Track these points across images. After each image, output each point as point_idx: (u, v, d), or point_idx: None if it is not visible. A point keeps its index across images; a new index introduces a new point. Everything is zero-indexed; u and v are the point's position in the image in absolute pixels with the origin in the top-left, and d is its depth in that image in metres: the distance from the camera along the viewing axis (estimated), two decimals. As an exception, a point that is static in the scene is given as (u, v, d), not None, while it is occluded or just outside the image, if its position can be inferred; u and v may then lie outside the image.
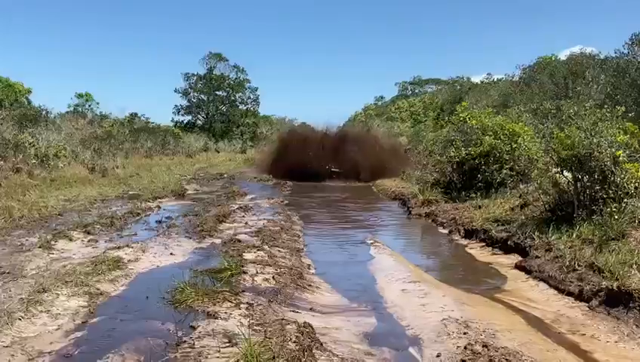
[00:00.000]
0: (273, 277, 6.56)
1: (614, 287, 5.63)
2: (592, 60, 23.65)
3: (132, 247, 7.80)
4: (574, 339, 4.93)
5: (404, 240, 11.10)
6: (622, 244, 6.79)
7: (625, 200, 7.73)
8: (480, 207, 11.56)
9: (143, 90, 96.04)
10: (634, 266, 5.93)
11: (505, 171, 12.52)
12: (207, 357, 4.00)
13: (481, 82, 38.78)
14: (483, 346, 4.35)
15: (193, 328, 4.64)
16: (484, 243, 9.48)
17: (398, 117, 45.44)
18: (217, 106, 50.81)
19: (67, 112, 36.26)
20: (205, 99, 50.64)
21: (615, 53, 21.09)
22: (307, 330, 4.54)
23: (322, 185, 20.36)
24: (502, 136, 12.97)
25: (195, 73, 50.76)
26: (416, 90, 61.89)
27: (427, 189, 14.58)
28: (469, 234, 10.13)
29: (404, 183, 18.47)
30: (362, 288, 6.81)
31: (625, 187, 7.83)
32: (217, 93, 50.95)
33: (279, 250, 8.38)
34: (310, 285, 6.70)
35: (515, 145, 12.77)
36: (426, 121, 34.78)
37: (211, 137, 45.18)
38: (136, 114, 40.59)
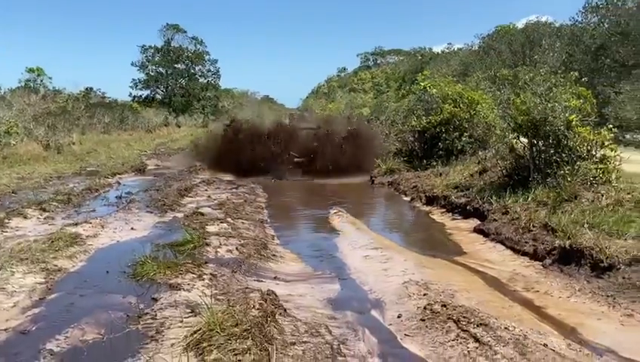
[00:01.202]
0: (237, 248, 6.54)
1: (567, 246, 5.87)
2: (548, 28, 24.11)
3: (91, 223, 7.60)
4: (529, 296, 5.13)
5: (367, 208, 11.22)
6: (574, 205, 7.07)
7: (577, 163, 8.00)
8: (441, 175, 11.79)
9: (97, 63, 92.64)
10: (585, 225, 6.18)
11: (464, 138, 12.75)
12: (169, 328, 3.97)
13: (442, 52, 39.06)
14: (442, 306, 4.48)
15: (155, 300, 4.60)
16: (444, 209, 9.71)
17: (361, 88, 45.41)
18: (176, 80, 49.46)
19: (18, 88, 34.51)
20: (164, 72, 49.17)
21: (570, 20, 21.59)
22: (271, 297, 4.57)
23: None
24: (461, 104, 13.17)
25: (153, 45, 49.13)
26: (378, 61, 61.84)
27: (390, 159, 14.73)
28: (431, 201, 10.33)
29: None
30: (326, 256, 6.89)
31: (577, 150, 8.10)
32: (176, 66, 49.51)
33: (243, 222, 8.35)
34: (274, 255, 6.72)
35: (474, 113, 13.00)
36: (388, 91, 34.87)
37: (171, 112, 44.05)
38: (91, 88, 39.00)
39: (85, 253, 6.23)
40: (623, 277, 4.98)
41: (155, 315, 4.24)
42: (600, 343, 3.89)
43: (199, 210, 8.88)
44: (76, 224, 7.50)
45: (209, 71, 50.66)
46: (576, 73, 9.32)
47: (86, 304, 4.62)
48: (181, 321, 4.11)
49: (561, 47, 21.24)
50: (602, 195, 7.12)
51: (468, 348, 3.74)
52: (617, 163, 7.98)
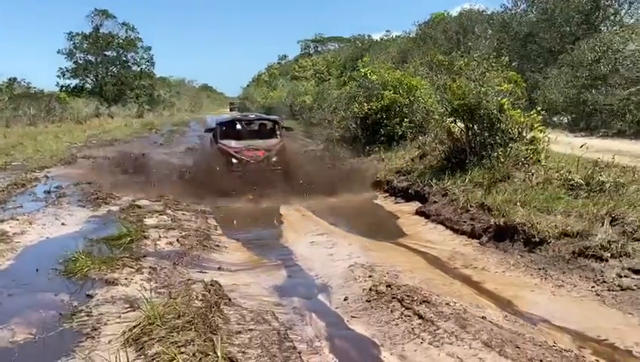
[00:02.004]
0: (178, 240, 6.35)
1: (501, 223, 6.12)
2: (480, 16, 24.95)
3: (17, 220, 7.13)
4: (468, 273, 5.31)
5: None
6: (507, 185, 7.38)
7: (510, 144, 8.33)
8: (383, 160, 11.98)
9: (20, 52, 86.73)
10: (518, 203, 6.46)
11: (405, 124, 12.97)
12: (106, 324, 3.80)
13: (381, 39, 39.56)
14: (387, 286, 4.55)
15: (90, 296, 4.39)
16: (388, 194, 9.89)
17: (303, 75, 45.23)
18: (107, 68, 47.09)
19: None
20: (93, 60, 46.63)
21: (501, 8, 22.43)
22: (214, 288, 4.46)
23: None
24: (401, 91, 13.37)
25: (80, 32, 46.50)
26: (319, 48, 61.77)
27: (333, 146, 14.78)
28: (374, 185, 10.47)
29: (312, 141, 18.58)
30: (272, 244, 6.86)
31: (509, 132, 8.44)
32: (106, 53, 47.08)
33: (184, 213, 8.13)
34: (218, 245, 6.59)
35: (413, 99, 13.24)
36: (329, 79, 34.96)
37: (103, 102, 41.90)
38: (15, 79, 36.48)
39: (12, 251, 5.84)
40: (553, 251, 5.25)
41: (91, 312, 4.05)
42: (534, 313, 4.08)
43: (136, 203, 8.55)
44: (1, 221, 7.02)
45: (142, 58, 48.54)
46: (507, 58, 9.67)
47: (15, 304, 4.34)
48: (119, 317, 3.94)
49: (492, 34, 22.04)
50: (533, 175, 7.46)
51: (412, 325, 3.82)
52: (546, 144, 8.38)
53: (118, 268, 5.06)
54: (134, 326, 3.57)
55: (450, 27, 25.14)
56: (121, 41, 47.23)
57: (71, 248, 5.53)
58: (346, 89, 18.96)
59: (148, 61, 48.88)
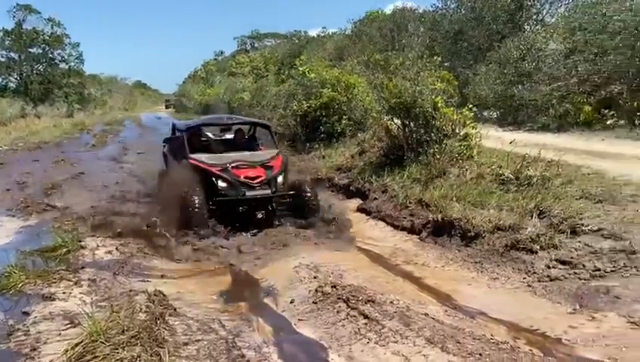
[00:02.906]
0: (117, 249, 6.16)
1: (439, 219, 6.39)
2: (412, 14, 25.62)
3: None
4: (409, 269, 5.52)
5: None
6: (443, 180, 7.69)
7: (444, 141, 8.68)
8: (324, 157, 12.12)
9: None
10: (453, 199, 6.76)
11: (344, 121, 13.16)
12: (46, 343, 3.65)
13: (318, 35, 39.71)
14: (332, 287, 4.64)
15: (27, 314, 4.19)
16: (329, 191, 10.00)
17: (240, 72, 44.63)
18: (33, 66, 44.38)
19: None
20: (16, 57, 43.90)
21: (432, 7, 23.14)
22: (158, 298, 4.39)
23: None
24: (339, 88, 13.54)
25: (1, 28, 43.55)
26: (256, 45, 61.21)
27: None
28: (316, 183, 10.56)
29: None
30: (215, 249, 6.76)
31: (444, 129, 8.78)
32: (31, 50, 44.34)
33: (123, 219, 7.86)
34: (159, 251, 6.42)
35: (352, 97, 13.45)
36: (267, 75, 34.74)
37: (29, 101, 39.57)
38: None
39: None
40: (488, 244, 5.54)
41: (28, 330, 3.87)
42: (472, 307, 4.31)
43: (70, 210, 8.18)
44: None
45: (70, 55, 46.08)
46: (439, 58, 10.05)
47: (-59, 328, 4.06)
48: (59, 334, 3.79)
49: (424, 32, 22.72)
50: (466, 170, 7.80)
51: (358, 325, 3.94)
52: (478, 139, 8.79)
53: (54, 282, 4.85)
54: (76, 344, 3.45)
55: (384, 25, 25.65)
56: (46, 37, 44.60)
57: (2, 262, 5.24)
58: (285, 86, 18.95)
59: (77, 58, 46.48)
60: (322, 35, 38.83)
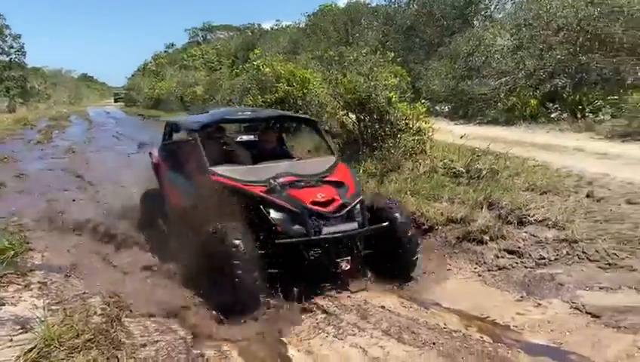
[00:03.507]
0: (68, 250, 5.96)
1: (394, 212, 6.51)
2: (366, 8, 25.88)
3: None
4: (366, 262, 5.60)
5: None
6: (398, 174, 7.86)
7: (398, 135, 8.86)
8: (279, 152, 12.09)
9: None
10: (408, 192, 6.92)
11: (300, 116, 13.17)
12: (-4, 351, 3.51)
13: (272, 29, 39.48)
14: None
15: (-27, 322, 4.00)
16: (285, 186, 10.00)
17: (192, 65, 43.81)
18: (-30, 58, 42.18)
19: None
20: (-48, 49, 41.51)
21: (385, 1, 23.46)
22: (114, 299, 4.30)
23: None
24: (294, 83, 13.53)
25: None
26: (208, 37, 60.20)
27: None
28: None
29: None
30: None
31: (398, 124, 8.96)
32: (-32, 42, 42.14)
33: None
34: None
35: (307, 91, 13.47)
36: (221, 68, 34.26)
37: (-33, 96, 37.61)
38: None
39: None
40: (441, 236, 5.74)
41: (-24, 339, 3.71)
42: (427, 298, 4.46)
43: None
44: None
45: (11, 47, 44.00)
46: (393, 53, 10.22)
47: None
48: (10, 340, 3.64)
49: (378, 26, 22.99)
50: (420, 164, 8.02)
51: (317, 319, 4.01)
52: (430, 134, 9.03)
53: (2, 286, 4.66)
54: (30, 350, 3.34)
55: (338, 18, 25.78)
56: (-16, 28, 42.35)
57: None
58: (239, 80, 18.75)
59: (18, 50, 44.38)
60: (276, 28, 38.65)
